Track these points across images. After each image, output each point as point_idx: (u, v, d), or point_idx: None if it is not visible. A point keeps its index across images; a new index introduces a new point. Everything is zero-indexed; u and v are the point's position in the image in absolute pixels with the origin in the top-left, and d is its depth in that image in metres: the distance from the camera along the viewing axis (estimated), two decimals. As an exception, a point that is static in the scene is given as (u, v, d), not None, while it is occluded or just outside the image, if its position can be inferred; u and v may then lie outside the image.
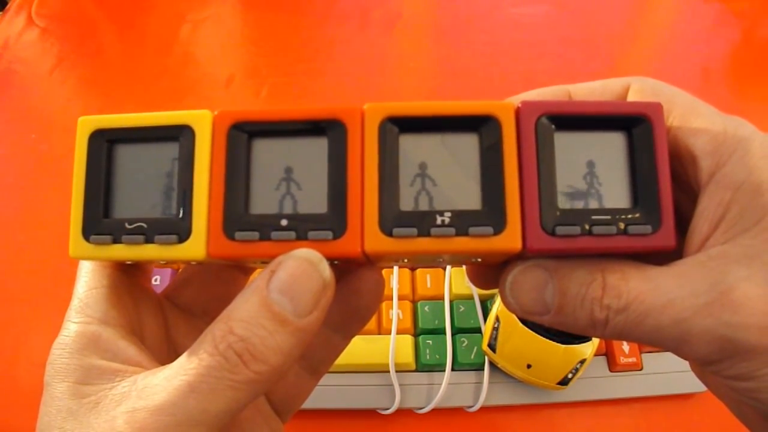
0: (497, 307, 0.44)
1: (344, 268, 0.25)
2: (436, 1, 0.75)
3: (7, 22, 0.72)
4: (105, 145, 0.23)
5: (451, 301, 0.47)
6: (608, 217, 0.21)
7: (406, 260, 0.24)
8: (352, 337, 0.28)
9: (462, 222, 0.21)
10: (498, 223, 0.21)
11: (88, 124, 0.23)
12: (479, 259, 0.24)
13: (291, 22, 0.71)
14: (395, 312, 0.46)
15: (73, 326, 0.23)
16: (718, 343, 0.19)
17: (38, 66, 0.68)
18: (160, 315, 0.27)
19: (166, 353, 0.26)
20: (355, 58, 0.68)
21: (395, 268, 0.48)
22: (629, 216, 0.21)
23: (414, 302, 0.48)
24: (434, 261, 0.24)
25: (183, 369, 0.20)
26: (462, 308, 0.47)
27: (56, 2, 0.74)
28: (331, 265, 0.21)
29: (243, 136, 0.22)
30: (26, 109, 0.65)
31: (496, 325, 0.43)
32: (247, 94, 0.65)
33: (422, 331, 0.46)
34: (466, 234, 0.21)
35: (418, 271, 0.49)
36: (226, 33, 0.72)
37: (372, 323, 0.46)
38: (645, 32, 0.71)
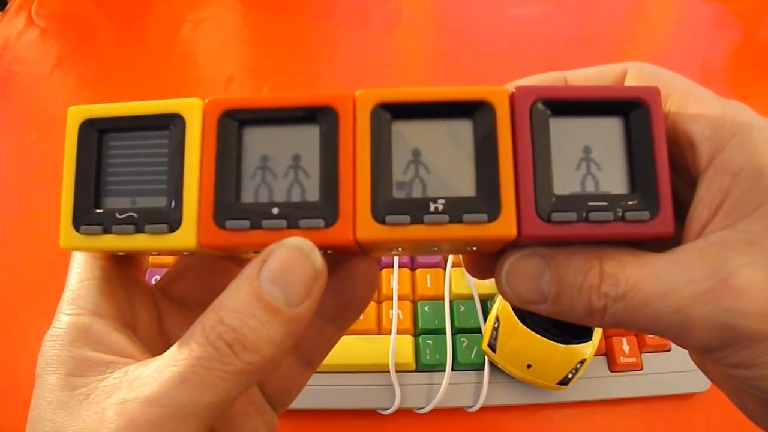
0: (497, 307, 0.44)
1: (338, 258, 0.25)
2: (436, 1, 0.75)
3: (7, 22, 0.72)
4: (95, 134, 0.23)
5: (451, 301, 0.47)
6: (605, 203, 0.20)
7: (400, 249, 0.24)
8: (347, 328, 0.28)
9: (456, 209, 0.20)
10: (492, 210, 0.20)
11: (78, 113, 0.23)
12: (475, 248, 0.24)
13: (291, 22, 0.71)
14: (395, 312, 0.46)
15: (64, 318, 0.23)
16: (718, 330, 0.19)
17: (38, 66, 0.68)
18: (153, 307, 0.26)
19: (159, 345, 0.25)
20: (356, 58, 0.68)
21: (395, 268, 0.48)
22: (627, 202, 0.20)
23: (414, 302, 0.48)
24: (429, 249, 0.24)
25: (173, 360, 0.20)
26: (462, 308, 0.47)
27: (56, 2, 0.74)
28: (324, 254, 0.21)
29: (234, 124, 0.22)
30: (26, 109, 0.65)
31: (496, 325, 0.43)
32: (246, 94, 0.65)
33: (422, 331, 0.46)
34: (460, 221, 0.20)
35: (418, 271, 0.49)
36: (226, 33, 0.72)
37: (372, 323, 0.46)
38: (645, 32, 0.71)
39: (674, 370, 0.45)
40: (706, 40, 0.69)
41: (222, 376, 0.19)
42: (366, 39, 0.70)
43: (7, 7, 0.74)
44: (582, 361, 0.41)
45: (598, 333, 0.43)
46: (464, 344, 0.45)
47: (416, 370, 0.45)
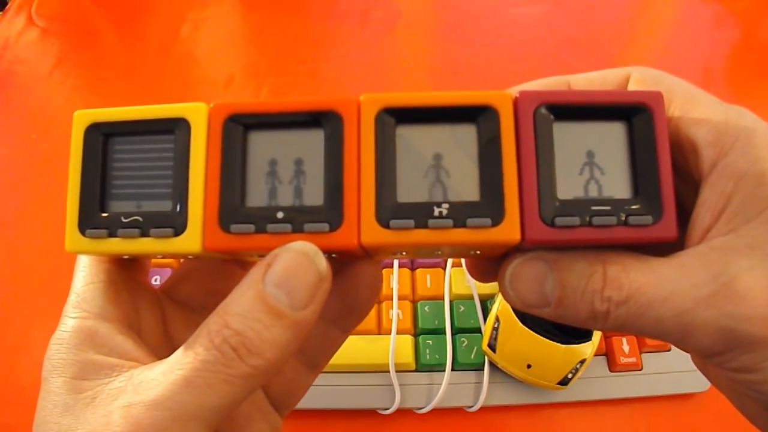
0: (497, 307, 0.44)
1: (342, 261, 0.25)
2: (436, 1, 0.75)
3: (7, 22, 0.72)
4: (101, 138, 0.23)
5: (451, 301, 0.47)
6: (608, 207, 0.20)
7: (404, 252, 0.24)
8: (351, 331, 0.28)
9: (460, 213, 0.20)
10: (496, 215, 0.20)
11: (83, 117, 0.23)
12: (478, 252, 0.24)
13: (291, 22, 0.71)
14: (395, 312, 0.46)
15: (70, 321, 0.23)
16: (720, 335, 0.19)
17: (38, 66, 0.68)
18: (158, 310, 0.26)
19: (164, 348, 0.26)
20: (356, 58, 0.68)
21: (395, 268, 0.48)
22: (630, 206, 0.20)
23: (414, 302, 0.48)
24: (433, 253, 0.24)
25: (179, 363, 0.20)
26: (462, 308, 0.47)
27: (56, 2, 0.74)
28: (329, 258, 0.21)
29: (239, 128, 0.22)
30: (26, 109, 0.65)
31: (496, 325, 0.43)
32: (247, 94, 0.65)
33: (422, 331, 0.46)
34: (464, 225, 0.20)
35: (418, 271, 0.49)
36: (226, 33, 0.72)
37: (372, 323, 0.46)
38: (645, 32, 0.71)
39: (674, 370, 0.45)
40: (706, 40, 0.69)
41: (227, 380, 0.19)
42: (366, 39, 0.70)
43: (7, 7, 0.74)
44: (582, 361, 0.41)
45: (598, 333, 0.43)
46: (464, 344, 0.45)
47: (416, 370, 0.45)
